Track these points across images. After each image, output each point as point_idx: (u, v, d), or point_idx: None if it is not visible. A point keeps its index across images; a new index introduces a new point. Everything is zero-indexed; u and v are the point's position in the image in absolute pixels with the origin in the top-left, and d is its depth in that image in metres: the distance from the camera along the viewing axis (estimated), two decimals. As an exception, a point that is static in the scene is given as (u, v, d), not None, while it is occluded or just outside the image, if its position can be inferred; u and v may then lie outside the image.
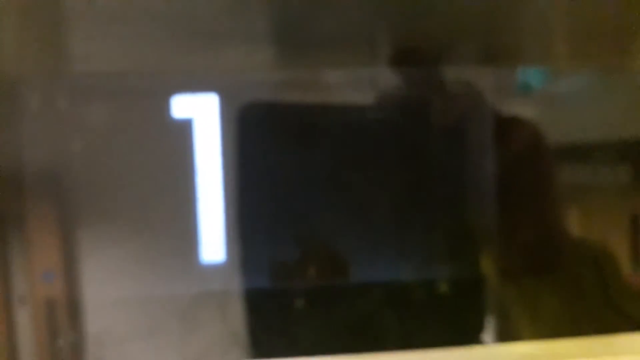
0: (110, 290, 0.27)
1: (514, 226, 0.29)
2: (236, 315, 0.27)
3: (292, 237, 0.27)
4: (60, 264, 0.27)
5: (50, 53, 0.27)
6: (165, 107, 0.27)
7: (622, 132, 0.30)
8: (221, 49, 0.27)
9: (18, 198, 0.26)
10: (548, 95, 0.29)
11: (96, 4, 0.26)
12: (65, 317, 0.27)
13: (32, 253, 0.27)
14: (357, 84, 0.28)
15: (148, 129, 0.26)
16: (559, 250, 0.30)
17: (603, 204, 0.30)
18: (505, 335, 0.29)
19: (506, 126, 0.28)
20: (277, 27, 0.27)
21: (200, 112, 0.27)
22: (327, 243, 0.28)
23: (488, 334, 0.29)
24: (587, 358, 0.29)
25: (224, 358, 0.27)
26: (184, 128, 0.27)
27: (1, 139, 0.26)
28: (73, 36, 0.26)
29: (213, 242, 0.27)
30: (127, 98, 0.26)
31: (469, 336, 0.28)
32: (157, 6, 0.26)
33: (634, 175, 0.30)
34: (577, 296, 0.29)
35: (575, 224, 0.30)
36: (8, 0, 0.26)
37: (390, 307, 0.28)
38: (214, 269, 0.27)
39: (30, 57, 0.27)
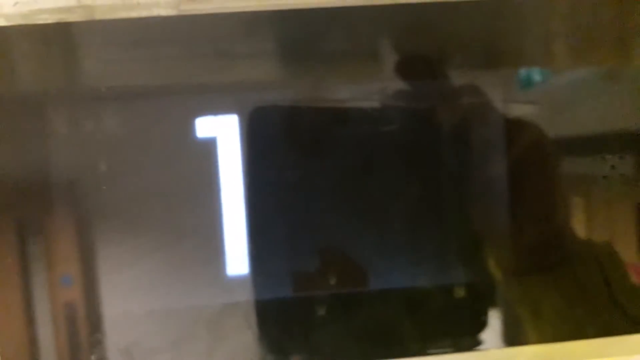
0: (136, 303, 0.28)
1: (520, 226, 0.30)
2: (260, 325, 0.28)
3: (311, 246, 0.29)
4: (81, 275, 0.28)
5: (75, 74, 0.28)
6: (189, 126, 0.28)
7: (625, 123, 0.30)
8: (237, 68, 0.28)
9: (43, 209, 0.27)
10: (550, 90, 0.30)
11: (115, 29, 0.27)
12: (88, 331, 0.28)
13: (52, 259, 0.28)
14: (367, 96, 0.29)
15: (172, 147, 0.27)
16: (564, 250, 0.30)
17: (609, 195, 0.30)
18: (513, 337, 0.30)
19: (511, 127, 0.29)
20: (289, 45, 0.28)
21: (222, 130, 0.28)
22: (345, 252, 0.29)
23: (497, 336, 0.30)
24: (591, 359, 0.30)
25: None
26: (207, 146, 0.28)
27: (27, 152, 0.27)
28: (95, 58, 0.28)
29: (237, 254, 0.28)
30: (153, 115, 0.28)
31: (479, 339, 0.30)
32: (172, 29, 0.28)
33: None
34: (581, 296, 0.30)
35: (581, 216, 0.30)
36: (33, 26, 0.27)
37: (409, 313, 0.29)
38: (239, 280, 0.28)
39: (56, 77, 0.28)
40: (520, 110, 0.30)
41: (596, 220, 0.31)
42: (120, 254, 0.28)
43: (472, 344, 0.29)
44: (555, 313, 0.30)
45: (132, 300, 0.28)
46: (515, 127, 0.29)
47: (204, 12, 0.28)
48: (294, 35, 0.29)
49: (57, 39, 0.28)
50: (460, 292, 0.29)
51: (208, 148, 0.28)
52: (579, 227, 0.30)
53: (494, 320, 0.30)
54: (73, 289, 0.28)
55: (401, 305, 0.29)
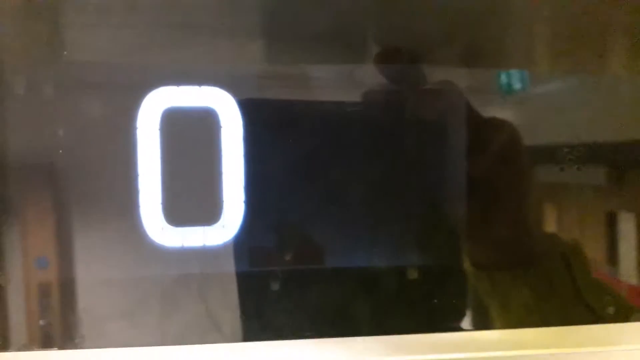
0: (98, 271, 0.28)
1: (488, 221, 0.30)
2: (215, 298, 0.28)
3: (271, 224, 0.29)
4: (54, 248, 0.28)
5: (42, 44, 0.27)
6: (152, 97, 0.28)
7: (600, 133, 0.31)
8: (212, 42, 0.28)
9: (11, 186, 0.27)
10: (529, 97, 0.31)
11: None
12: (56, 298, 0.28)
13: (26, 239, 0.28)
14: (341, 79, 0.29)
15: (134, 119, 0.27)
16: (530, 246, 0.31)
17: (581, 203, 0.31)
18: (478, 323, 0.31)
19: (485, 123, 0.30)
20: (268, 22, 0.29)
21: (197, 103, 0.28)
22: (304, 230, 0.29)
23: (461, 321, 0.30)
24: (553, 348, 0.30)
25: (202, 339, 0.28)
26: (170, 117, 0.28)
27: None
28: (65, 26, 0.27)
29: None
30: (118, 89, 0.27)
31: (438, 322, 0.30)
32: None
33: (611, 175, 0.31)
34: (546, 289, 0.31)
35: (553, 221, 0.31)
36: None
37: (364, 293, 0.29)
38: (195, 252, 0.28)
39: (22, 49, 0.27)
40: (497, 113, 0.30)
41: (565, 222, 0.31)
42: (84, 226, 0.28)
43: (425, 325, 0.29)
44: (522, 306, 0.31)
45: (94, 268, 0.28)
46: (489, 124, 0.30)
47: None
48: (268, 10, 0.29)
49: (25, 7, 0.27)
50: (413, 274, 0.29)
51: (171, 119, 0.28)
52: (548, 226, 0.31)
53: (447, 304, 0.30)
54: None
55: (355, 285, 0.29)
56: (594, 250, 0.32)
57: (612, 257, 0.32)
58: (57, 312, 0.28)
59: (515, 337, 0.30)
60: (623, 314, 0.31)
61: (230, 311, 0.29)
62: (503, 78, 0.30)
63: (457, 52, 0.30)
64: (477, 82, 0.30)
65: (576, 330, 0.31)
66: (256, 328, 0.29)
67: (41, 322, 0.28)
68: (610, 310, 0.31)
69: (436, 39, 0.30)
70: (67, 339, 0.28)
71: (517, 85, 0.30)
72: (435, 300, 0.30)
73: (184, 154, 0.28)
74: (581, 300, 0.31)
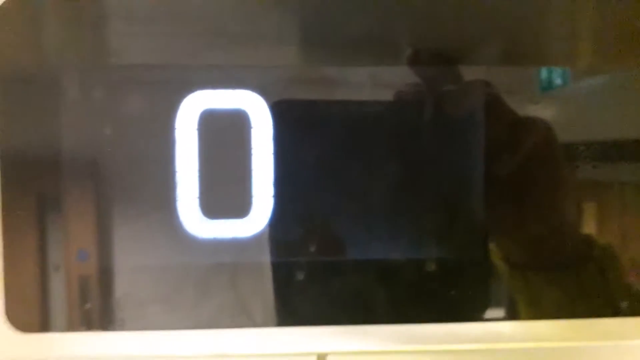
0: (134, 259, 0.30)
1: (522, 220, 0.31)
2: (244, 286, 0.31)
3: (298, 218, 0.31)
4: (95, 239, 0.30)
5: (89, 46, 0.30)
6: (195, 99, 0.30)
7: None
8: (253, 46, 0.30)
9: (57, 180, 0.30)
10: (570, 93, 0.31)
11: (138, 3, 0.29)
12: (95, 285, 0.30)
13: (69, 230, 0.30)
14: (370, 81, 0.31)
15: (176, 118, 0.30)
16: (565, 247, 0.31)
17: (622, 201, 0.32)
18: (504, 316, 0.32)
19: (521, 123, 0.30)
20: (305, 26, 0.30)
21: (231, 105, 0.30)
22: (327, 223, 0.31)
23: (467, 310, 0.32)
24: (574, 341, 0.31)
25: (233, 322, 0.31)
26: (207, 118, 0.30)
27: (40, 124, 0.30)
28: (112, 34, 0.30)
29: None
30: (161, 89, 0.30)
31: (457, 313, 0.32)
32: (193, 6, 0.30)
33: None
34: (579, 291, 0.31)
35: (594, 220, 0.32)
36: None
37: (383, 283, 0.31)
38: (226, 243, 0.30)
39: (70, 49, 0.30)
40: (537, 111, 0.31)
41: (605, 224, 0.32)
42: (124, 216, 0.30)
43: (443, 315, 0.31)
44: (552, 305, 0.31)
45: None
46: (525, 124, 0.31)
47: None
48: (296, 19, 0.31)
49: (60, 12, 0.30)
50: (431, 266, 0.31)
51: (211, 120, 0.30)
52: (585, 228, 0.32)
53: (464, 295, 0.32)
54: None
55: (376, 275, 0.31)
56: (633, 250, 0.32)
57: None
58: (99, 297, 0.31)
59: (535, 329, 0.31)
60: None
61: (258, 298, 0.31)
62: (543, 74, 0.31)
63: (493, 51, 0.31)
64: (514, 80, 0.31)
65: (596, 323, 0.31)
66: (282, 315, 0.31)
67: (87, 306, 0.30)
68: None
69: (471, 37, 0.31)
70: (108, 322, 0.31)
71: (557, 81, 0.31)
72: (465, 293, 0.31)
73: (219, 152, 0.30)
74: (614, 305, 0.31)
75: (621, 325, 0.31)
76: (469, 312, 0.32)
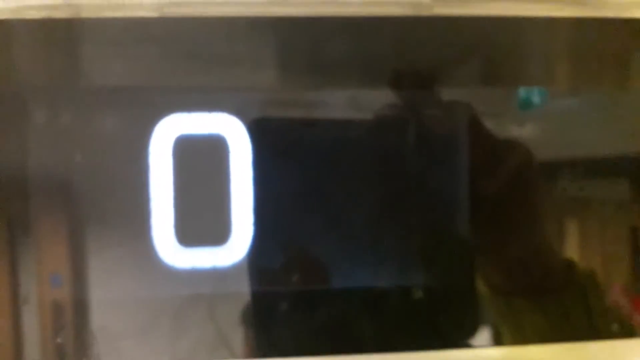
0: (109, 291, 0.29)
1: (501, 244, 0.31)
2: (224, 317, 0.29)
3: (277, 245, 0.30)
4: (68, 266, 0.29)
5: (59, 68, 0.29)
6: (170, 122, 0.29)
7: (621, 147, 0.32)
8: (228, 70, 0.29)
9: (26, 204, 0.28)
10: (548, 113, 0.31)
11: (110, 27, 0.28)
12: (69, 316, 0.29)
13: (40, 256, 0.29)
14: (349, 104, 0.30)
15: (149, 140, 0.29)
16: (546, 273, 0.31)
17: (603, 219, 0.31)
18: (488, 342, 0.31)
19: (499, 146, 0.30)
20: (284, 48, 0.30)
21: (208, 129, 0.29)
22: (309, 251, 0.30)
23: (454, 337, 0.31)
24: None
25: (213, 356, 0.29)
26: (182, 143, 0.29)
27: (10, 148, 0.28)
28: (83, 53, 0.29)
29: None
30: (134, 112, 0.29)
31: (441, 340, 0.30)
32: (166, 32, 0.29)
33: (633, 190, 0.31)
34: (561, 317, 0.31)
35: (574, 238, 0.31)
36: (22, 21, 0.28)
37: (368, 311, 0.30)
38: (204, 274, 0.29)
39: (39, 71, 0.29)
40: (516, 130, 0.31)
41: (586, 246, 0.31)
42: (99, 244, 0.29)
43: (429, 343, 0.30)
44: (536, 331, 0.31)
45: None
46: (504, 148, 0.30)
47: (185, 15, 0.29)
48: (273, 43, 0.30)
49: (43, 35, 0.29)
50: (418, 294, 0.30)
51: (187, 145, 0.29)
52: (566, 252, 0.31)
53: (449, 322, 0.31)
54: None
55: (361, 304, 0.30)
56: (614, 271, 0.32)
57: (635, 277, 0.32)
58: (73, 330, 0.29)
59: (522, 355, 0.31)
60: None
61: (238, 330, 0.30)
62: (522, 93, 0.31)
63: (472, 72, 0.31)
64: (494, 100, 0.31)
65: (580, 347, 0.31)
66: (264, 346, 0.30)
67: (58, 340, 0.29)
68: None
69: (450, 60, 0.30)
70: (82, 357, 0.29)
71: (535, 101, 0.31)
72: (450, 319, 0.30)
73: (196, 178, 0.29)
74: (597, 329, 0.31)
75: (604, 348, 0.31)
76: (455, 339, 0.31)
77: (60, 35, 0.29)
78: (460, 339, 0.31)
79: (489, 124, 0.30)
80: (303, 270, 0.30)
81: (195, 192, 0.29)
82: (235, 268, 0.29)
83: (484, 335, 0.31)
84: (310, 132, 0.30)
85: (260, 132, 0.29)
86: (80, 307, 0.29)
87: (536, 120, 0.31)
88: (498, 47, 0.31)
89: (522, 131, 0.31)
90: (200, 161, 0.29)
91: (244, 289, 0.29)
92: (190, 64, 0.29)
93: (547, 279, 0.31)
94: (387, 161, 0.30)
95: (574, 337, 0.31)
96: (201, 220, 0.29)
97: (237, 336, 0.29)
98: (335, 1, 0.30)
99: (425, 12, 0.30)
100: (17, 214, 0.28)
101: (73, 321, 0.29)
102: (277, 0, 0.29)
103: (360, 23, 0.30)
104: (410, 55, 0.30)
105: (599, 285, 0.31)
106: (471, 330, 0.31)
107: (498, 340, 0.31)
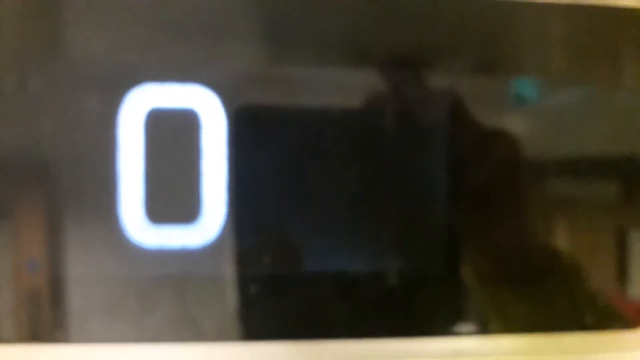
0: (77, 269, 0.28)
1: (486, 232, 0.30)
2: (193, 299, 0.29)
3: (250, 226, 0.29)
4: (38, 244, 0.28)
5: (26, 40, 0.28)
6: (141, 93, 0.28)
7: (612, 147, 0.31)
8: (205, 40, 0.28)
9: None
10: (542, 108, 0.30)
11: None
12: (41, 295, 0.28)
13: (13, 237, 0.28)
14: (330, 83, 0.29)
15: (118, 112, 0.28)
16: (530, 262, 0.31)
17: (591, 218, 0.31)
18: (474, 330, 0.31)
19: (485, 134, 0.30)
20: (266, 20, 0.29)
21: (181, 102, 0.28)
22: (283, 233, 0.29)
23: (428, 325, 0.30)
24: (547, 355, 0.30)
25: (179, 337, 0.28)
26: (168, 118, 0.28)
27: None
28: (50, 22, 0.28)
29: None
30: (103, 83, 0.28)
31: (415, 327, 0.30)
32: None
33: (622, 190, 0.31)
34: (546, 306, 0.31)
35: (563, 237, 0.31)
36: None
37: (341, 296, 0.29)
38: (174, 253, 0.28)
39: (5, 43, 0.28)
40: (510, 124, 0.30)
41: (572, 241, 0.31)
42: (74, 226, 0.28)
43: (402, 330, 0.29)
44: (520, 319, 0.30)
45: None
46: (489, 135, 0.30)
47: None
48: (253, 13, 0.29)
49: (35, 6, 0.28)
50: (393, 279, 0.29)
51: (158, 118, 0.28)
52: (552, 242, 0.31)
53: (428, 309, 0.30)
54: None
55: (333, 288, 0.29)
56: (600, 267, 0.31)
57: (620, 274, 0.31)
58: (44, 308, 0.29)
59: (510, 344, 0.30)
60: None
61: (208, 312, 0.29)
62: (515, 88, 0.30)
63: (465, 60, 0.30)
64: (486, 91, 0.30)
65: (562, 337, 0.30)
66: (234, 329, 0.29)
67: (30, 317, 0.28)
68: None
69: (441, 47, 0.30)
70: (52, 334, 0.28)
71: (529, 94, 0.30)
72: (429, 306, 0.30)
73: (168, 153, 0.28)
74: (580, 320, 0.31)
75: (586, 340, 0.31)
76: (434, 326, 0.30)
77: (30, 4, 0.28)
78: (439, 327, 0.30)
79: (478, 113, 0.29)
80: (276, 252, 0.29)
81: (165, 168, 0.28)
82: (205, 248, 0.28)
83: (466, 323, 0.30)
84: (288, 112, 0.28)
85: (237, 112, 0.28)
86: (48, 285, 0.28)
87: (528, 115, 0.30)
88: (491, 34, 0.30)
89: (514, 123, 0.30)
90: (172, 135, 0.28)
91: (214, 270, 0.29)
92: (165, 33, 0.28)
93: (530, 269, 0.31)
94: (366, 144, 0.29)
95: (556, 326, 0.30)
96: (171, 197, 0.28)
97: (205, 317, 0.29)
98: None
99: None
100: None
101: (45, 300, 0.28)
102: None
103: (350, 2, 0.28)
104: (398, 37, 0.29)
105: (583, 276, 0.31)
106: (451, 318, 0.30)
107: (480, 329, 0.30)
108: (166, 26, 0.28)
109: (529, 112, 0.30)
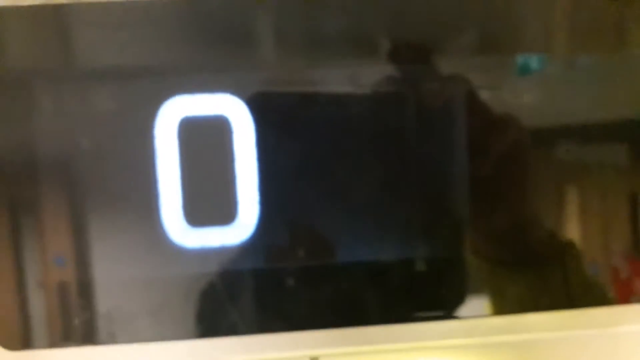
0: (119, 271, 0.30)
1: (488, 214, 0.31)
2: (234, 295, 0.30)
3: (283, 222, 0.30)
4: (72, 249, 0.30)
5: (62, 51, 0.29)
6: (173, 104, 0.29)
7: (621, 111, 0.32)
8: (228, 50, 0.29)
9: (33, 190, 0.29)
10: (547, 77, 0.31)
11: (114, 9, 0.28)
12: (77, 297, 0.30)
13: (45, 238, 0.29)
14: (350, 79, 0.30)
15: (153, 123, 0.29)
16: (528, 243, 0.32)
17: (602, 184, 0.32)
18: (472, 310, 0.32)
19: (493, 121, 0.31)
20: (282, 26, 0.30)
21: (211, 110, 0.29)
22: (315, 226, 0.31)
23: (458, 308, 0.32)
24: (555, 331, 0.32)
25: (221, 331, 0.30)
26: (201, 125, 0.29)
27: (14, 132, 0.29)
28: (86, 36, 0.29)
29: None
30: (138, 95, 0.29)
31: (445, 310, 0.31)
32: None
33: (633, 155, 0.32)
34: (541, 287, 0.32)
35: (574, 204, 0.32)
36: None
37: (373, 284, 0.31)
38: (215, 252, 0.30)
39: (42, 54, 0.29)
40: (516, 97, 0.31)
41: (585, 212, 0.32)
42: (104, 226, 0.30)
43: (433, 315, 0.31)
44: (517, 299, 0.32)
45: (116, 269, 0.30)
46: (497, 120, 0.31)
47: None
48: (272, 21, 0.30)
49: (44, 20, 0.29)
50: (421, 266, 0.31)
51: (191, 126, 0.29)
52: (565, 218, 0.32)
53: (454, 294, 0.31)
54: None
55: (366, 277, 0.31)
56: (614, 237, 0.32)
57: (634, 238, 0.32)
58: (85, 311, 0.30)
59: (516, 323, 0.32)
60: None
61: (248, 306, 0.30)
62: (520, 59, 0.31)
63: (470, 40, 0.31)
64: (491, 68, 0.31)
65: (578, 313, 0.32)
66: (272, 321, 0.30)
67: (75, 321, 0.30)
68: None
69: (447, 30, 0.31)
70: (95, 336, 0.30)
71: (534, 66, 0.31)
72: (442, 290, 0.31)
73: (202, 159, 0.30)
74: (572, 301, 0.32)
75: (580, 315, 0.32)
76: (452, 308, 0.31)
77: (64, 18, 0.29)
78: (456, 308, 0.32)
79: (487, 93, 0.30)
80: (309, 245, 0.30)
81: (201, 173, 0.29)
82: (242, 246, 0.30)
83: (478, 304, 0.32)
84: (311, 108, 0.30)
85: (259, 108, 0.29)
86: (92, 289, 0.30)
87: (535, 86, 0.31)
88: (494, 14, 0.31)
89: (521, 98, 0.31)
90: (204, 142, 0.29)
91: (252, 266, 0.30)
92: (191, 45, 0.29)
93: (530, 249, 0.32)
94: (387, 135, 0.30)
95: (554, 304, 0.32)
96: (208, 200, 0.30)
97: (248, 311, 0.30)
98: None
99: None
100: (23, 198, 0.29)
101: (84, 302, 0.30)
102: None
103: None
104: (407, 28, 0.31)
105: (579, 255, 0.32)
106: (462, 299, 0.32)
107: (493, 310, 0.32)
108: (195, 41, 0.29)
109: (537, 81, 0.31)
